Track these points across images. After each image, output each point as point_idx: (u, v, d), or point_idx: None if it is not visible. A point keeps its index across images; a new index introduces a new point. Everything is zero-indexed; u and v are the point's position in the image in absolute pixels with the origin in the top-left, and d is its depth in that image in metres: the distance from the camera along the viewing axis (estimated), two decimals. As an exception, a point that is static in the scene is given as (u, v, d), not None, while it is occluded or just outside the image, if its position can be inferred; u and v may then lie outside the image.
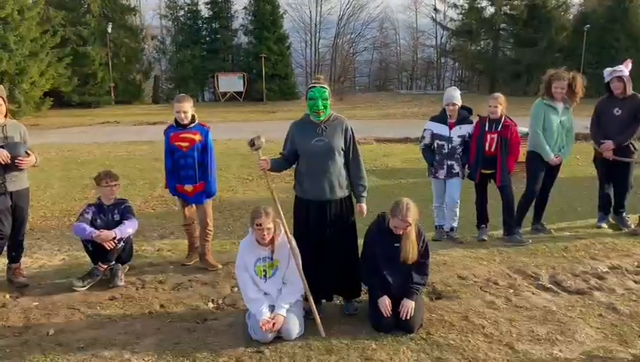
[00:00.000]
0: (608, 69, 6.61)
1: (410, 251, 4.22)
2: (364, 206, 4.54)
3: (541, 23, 38.25)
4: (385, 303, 4.20)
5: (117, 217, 5.27)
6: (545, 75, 6.42)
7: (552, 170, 6.50)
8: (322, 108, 4.33)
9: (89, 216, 5.17)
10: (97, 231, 5.03)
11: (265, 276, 4.24)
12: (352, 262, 4.52)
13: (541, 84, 6.43)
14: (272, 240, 4.23)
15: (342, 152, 4.43)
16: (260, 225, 4.12)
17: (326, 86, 4.39)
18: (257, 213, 4.15)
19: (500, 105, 6.12)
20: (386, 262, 4.30)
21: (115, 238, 5.04)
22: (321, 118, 4.38)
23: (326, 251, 4.42)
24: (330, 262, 4.43)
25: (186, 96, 5.57)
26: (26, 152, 4.97)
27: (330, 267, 4.43)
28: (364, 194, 4.54)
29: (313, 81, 4.45)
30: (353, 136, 4.49)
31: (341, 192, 4.44)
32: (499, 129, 6.13)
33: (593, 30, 35.72)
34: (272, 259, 4.24)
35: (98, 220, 5.21)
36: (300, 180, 4.50)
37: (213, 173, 5.54)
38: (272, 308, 4.14)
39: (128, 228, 5.19)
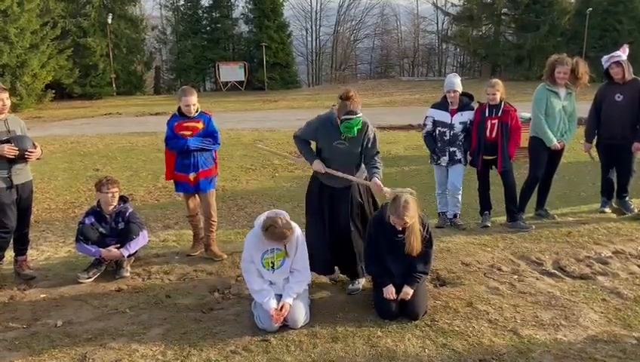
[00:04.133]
0: (606, 56, 6.59)
1: (415, 244, 4.23)
2: (378, 181, 4.48)
3: (543, 7, 37.89)
4: (390, 290, 4.24)
5: (121, 225, 5.26)
6: (548, 59, 6.41)
7: (555, 156, 6.49)
8: (356, 131, 4.43)
9: (90, 228, 5.14)
10: (105, 251, 5.09)
11: (272, 267, 4.24)
12: (357, 242, 4.66)
13: (544, 68, 6.42)
14: None
15: (360, 152, 4.58)
16: (287, 243, 4.15)
17: (360, 113, 4.41)
18: (282, 235, 4.06)
19: (498, 91, 6.12)
20: (390, 251, 4.32)
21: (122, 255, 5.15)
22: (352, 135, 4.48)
23: (334, 229, 4.61)
24: (339, 239, 4.62)
25: (191, 88, 5.61)
26: (33, 144, 5.02)
27: (338, 244, 4.62)
28: (379, 174, 4.53)
29: (349, 113, 4.37)
30: (374, 137, 4.61)
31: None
32: (499, 114, 6.13)
33: (595, 13, 35.37)
34: (281, 249, 4.23)
35: (101, 229, 5.22)
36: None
37: (216, 140, 5.61)
38: (278, 297, 4.16)
39: (137, 246, 5.29)
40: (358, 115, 4.38)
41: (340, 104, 4.43)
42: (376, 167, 4.56)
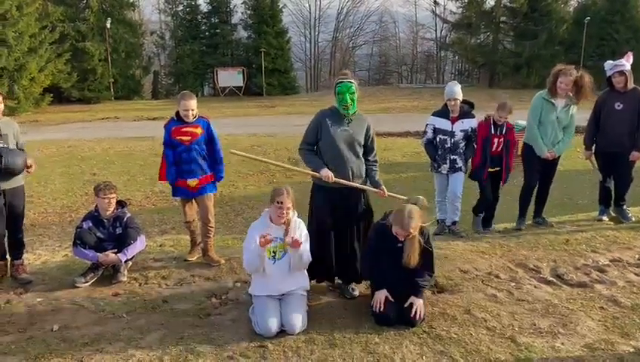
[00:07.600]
0: (610, 62, 6.55)
1: (413, 256, 4.23)
2: (384, 188, 4.75)
3: (541, 16, 38.05)
4: (380, 298, 4.23)
5: (119, 230, 5.25)
6: (553, 68, 6.40)
7: (549, 165, 6.51)
8: (350, 101, 4.58)
9: (88, 233, 5.14)
10: (102, 255, 5.07)
11: (274, 257, 4.27)
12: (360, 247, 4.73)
13: (548, 77, 6.40)
14: (288, 222, 4.31)
15: (362, 146, 4.72)
16: (281, 203, 4.20)
17: (353, 81, 4.62)
18: (279, 191, 4.24)
19: (509, 115, 6.38)
20: (389, 259, 4.31)
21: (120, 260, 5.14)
22: (350, 112, 4.63)
23: (341, 235, 4.66)
24: (344, 245, 4.67)
25: (191, 93, 5.58)
26: (27, 166, 5.03)
27: (343, 250, 4.66)
28: (377, 176, 4.81)
29: (340, 76, 4.67)
30: (373, 136, 4.83)
31: (359, 180, 4.68)
32: (504, 132, 6.41)
33: (593, 22, 35.55)
34: (283, 239, 4.27)
35: (98, 233, 5.21)
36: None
37: (221, 161, 5.61)
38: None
39: (135, 251, 5.27)
40: (349, 80, 4.57)
41: (337, 77, 4.72)
42: (375, 170, 4.80)
